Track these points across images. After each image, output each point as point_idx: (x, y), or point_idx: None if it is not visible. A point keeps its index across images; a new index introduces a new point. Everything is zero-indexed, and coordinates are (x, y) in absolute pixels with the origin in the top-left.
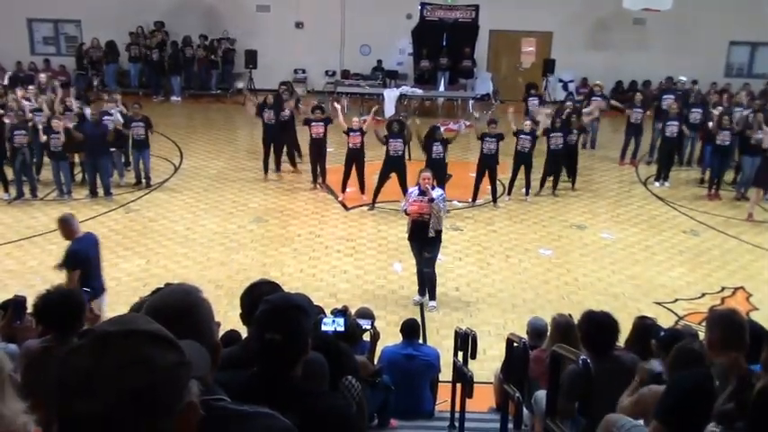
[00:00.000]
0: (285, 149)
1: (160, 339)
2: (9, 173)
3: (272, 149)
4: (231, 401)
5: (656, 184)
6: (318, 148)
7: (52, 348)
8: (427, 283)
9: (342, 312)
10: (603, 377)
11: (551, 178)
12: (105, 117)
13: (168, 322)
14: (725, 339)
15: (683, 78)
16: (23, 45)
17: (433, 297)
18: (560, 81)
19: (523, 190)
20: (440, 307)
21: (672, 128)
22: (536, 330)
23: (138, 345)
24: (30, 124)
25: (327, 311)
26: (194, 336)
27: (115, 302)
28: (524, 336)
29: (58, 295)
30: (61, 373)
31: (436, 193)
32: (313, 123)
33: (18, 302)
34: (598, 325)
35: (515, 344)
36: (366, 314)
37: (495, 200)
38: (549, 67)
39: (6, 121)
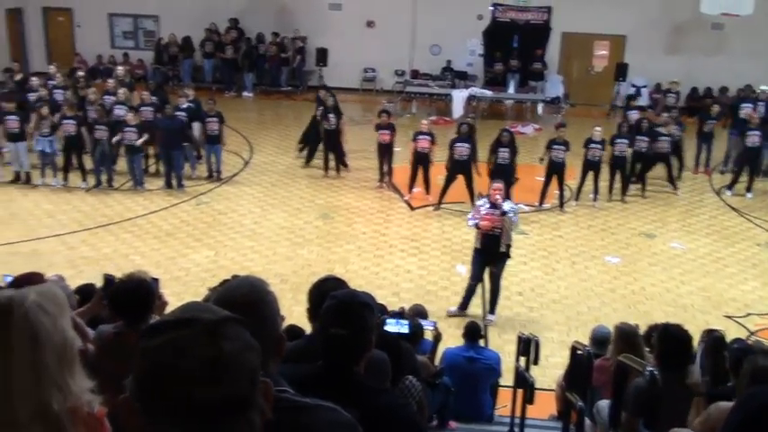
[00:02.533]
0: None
1: (244, 323)
2: (88, 162)
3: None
4: (294, 393)
5: (728, 192)
6: (385, 151)
7: (124, 335)
8: (490, 295)
9: (399, 314)
10: (673, 392)
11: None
12: (177, 112)
13: (234, 314)
14: None
15: (765, 88)
16: (104, 39)
17: (492, 311)
18: (633, 86)
19: (591, 195)
20: (502, 311)
21: (753, 137)
22: (600, 339)
23: (240, 330)
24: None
25: (389, 309)
26: (259, 328)
27: (184, 292)
28: (588, 344)
29: (131, 283)
30: (175, 366)
31: (507, 205)
32: (381, 131)
33: (110, 280)
34: (674, 339)
35: (579, 351)
36: (420, 311)
37: (561, 205)
38: (621, 71)
39: (91, 114)
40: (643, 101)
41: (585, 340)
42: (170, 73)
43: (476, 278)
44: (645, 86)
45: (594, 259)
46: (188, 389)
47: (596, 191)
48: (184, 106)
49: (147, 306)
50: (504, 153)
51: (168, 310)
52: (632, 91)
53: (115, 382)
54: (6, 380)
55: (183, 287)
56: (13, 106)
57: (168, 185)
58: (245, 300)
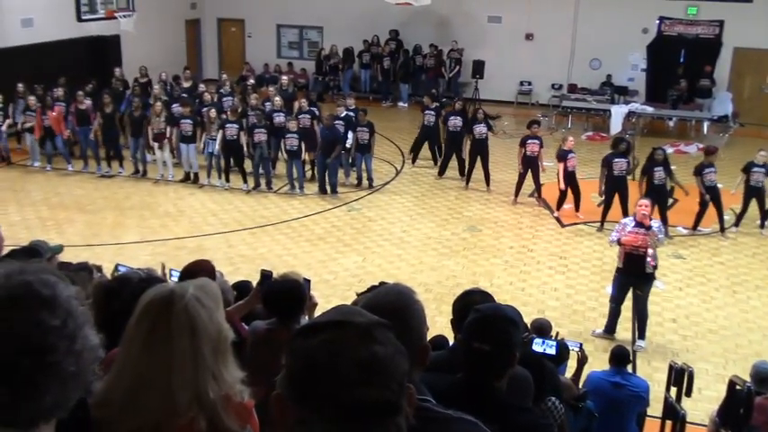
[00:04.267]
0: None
1: (392, 329)
2: (248, 166)
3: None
4: (435, 404)
5: None
6: (531, 164)
7: (276, 332)
8: (637, 321)
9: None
10: None
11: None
12: (336, 122)
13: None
14: None
15: None
16: (271, 48)
17: (642, 336)
18: None
19: (758, 222)
20: (653, 337)
21: None
22: (761, 375)
23: (390, 334)
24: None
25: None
26: (404, 335)
27: (332, 295)
28: (747, 379)
29: (286, 283)
30: (331, 367)
31: (655, 223)
32: (529, 141)
33: (267, 275)
34: None
35: (738, 387)
36: (544, 325)
37: (722, 229)
38: None
39: (252, 120)
40: None
41: (744, 375)
42: (330, 83)
43: (615, 300)
44: None
45: (759, 290)
46: (341, 389)
47: (764, 217)
48: (342, 115)
49: (300, 306)
50: (659, 172)
51: (318, 311)
52: None
53: (265, 376)
54: (168, 367)
55: (331, 290)
56: (188, 110)
57: (322, 191)
58: (392, 307)
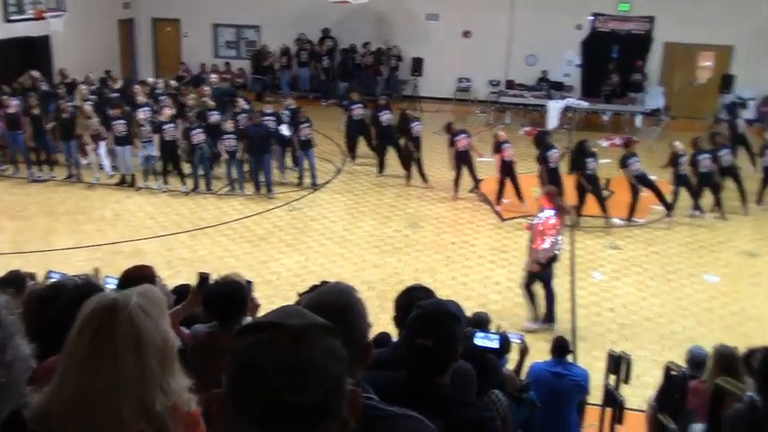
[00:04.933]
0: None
1: (333, 330)
2: (186, 167)
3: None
4: (379, 401)
5: None
6: (464, 159)
7: (217, 335)
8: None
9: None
10: None
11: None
12: (265, 118)
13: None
14: None
15: None
16: (208, 48)
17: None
18: (739, 98)
19: (689, 212)
20: (593, 327)
21: None
22: (696, 360)
23: (326, 338)
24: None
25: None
26: (346, 334)
27: (274, 296)
28: (683, 364)
29: (226, 285)
30: (257, 369)
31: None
32: (456, 138)
33: (204, 278)
34: None
35: (674, 372)
36: (482, 319)
37: (668, 208)
38: (726, 83)
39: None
40: (750, 114)
41: (679, 360)
42: (269, 82)
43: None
44: (752, 99)
45: (692, 277)
46: (265, 391)
47: (697, 206)
48: (269, 111)
49: (241, 308)
50: (591, 164)
51: (261, 312)
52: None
53: (209, 381)
54: (113, 379)
55: (273, 291)
56: (119, 111)
57: (257, 189)
58: (333, 305)
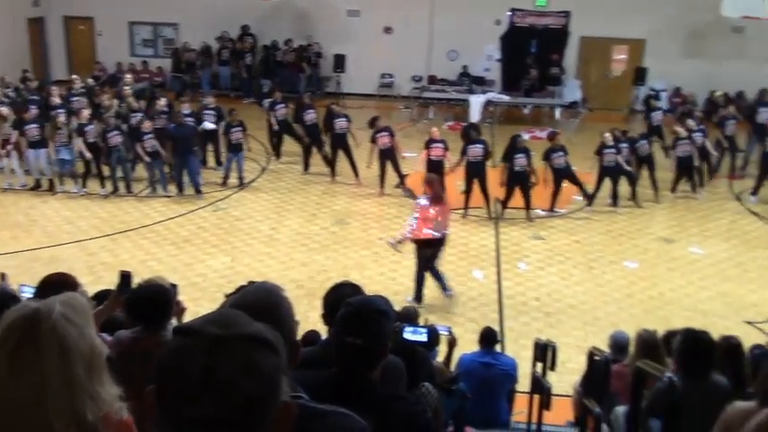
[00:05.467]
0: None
1: (264, 342)
2: (105, 169)
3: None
4: (309, 399)
5: (753, 198)
6: (387, 156)
7: (142, 340)
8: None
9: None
10: (695, 400)
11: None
12: (188, 120)
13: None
14: None
15: None
16: (124, 47)
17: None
18: (652, 90)
19: (608, 201)
20: (519, 316)
21: None
22: (618, 344)
23: (247, 351)
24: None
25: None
26: None
27: (201, 298)
28: (606, 349)
29: (149, 289)
30: (170, 377)
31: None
32: (378, 135)
33: (126, 276)
34: (696, 345)
35: (597, 357)
36: (411, 313)
37: (589, 201)
38: (640, 75)
39: (108, 122)
40: (662, 105)
41: (603, 346)
42: (189, 81)
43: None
44: (664, 90)
45: (612, 264)
46: (176, 399)
47: (615, 196)
48: (187, 111)
49: (165, 311)
50: (520, 159)
51: (188, 316)
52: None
53: (136, 388)
54: (40, 391)
55: (199, 293)
56: (33, 115)
57: (180, 190)
58: (259, 305)
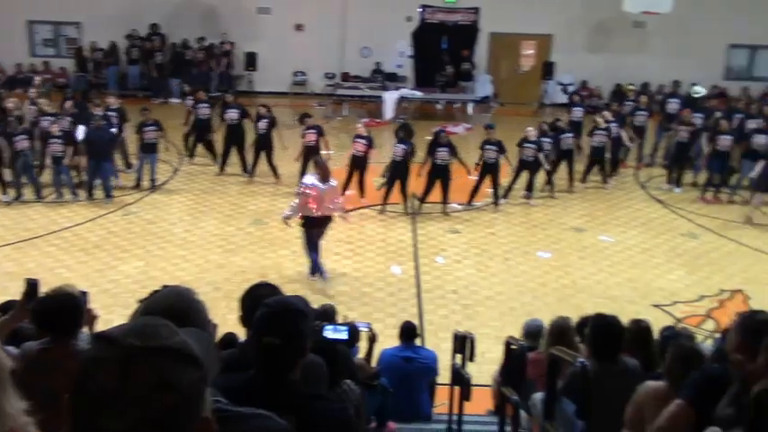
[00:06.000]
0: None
1: (184, 356)
2: (8, 174)
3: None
4: (227, 403)
5: (666, 187)
6: (311, 154)
7: (50, 351)
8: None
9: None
10: (607, 382)
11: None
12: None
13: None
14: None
15: (699, 89)
16: (23, 47)
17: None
18: (560, 84)
19: (523, 192)
20: (438, 310)
21: (683, 133)
22: (531, 332)
23: (164, 365)
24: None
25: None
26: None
27: (113, 305)
28: (521, 338)
29: (56, 298)
30: (84, 387)
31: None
32: (306, 131)
33: (33, 284)
34: (606, 329)
35: (513, 346)
36: (328, 311)
37: (496, 202)
38: (548, 70)
39: (12, 126)
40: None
41: (519, 335)
42: (95, 81)
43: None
44: (572, 84)
45: (526, 255)
46: (92, 410)
47: (530, 188)
48: (114, 107)
49: (75, 320)
50: (442, 153)
51: (102, 325)
52: (560, 89)
53: (45, 401)
54: None
55: (112, 299)
56: None
57: (90, 196)
58: (171, 309)
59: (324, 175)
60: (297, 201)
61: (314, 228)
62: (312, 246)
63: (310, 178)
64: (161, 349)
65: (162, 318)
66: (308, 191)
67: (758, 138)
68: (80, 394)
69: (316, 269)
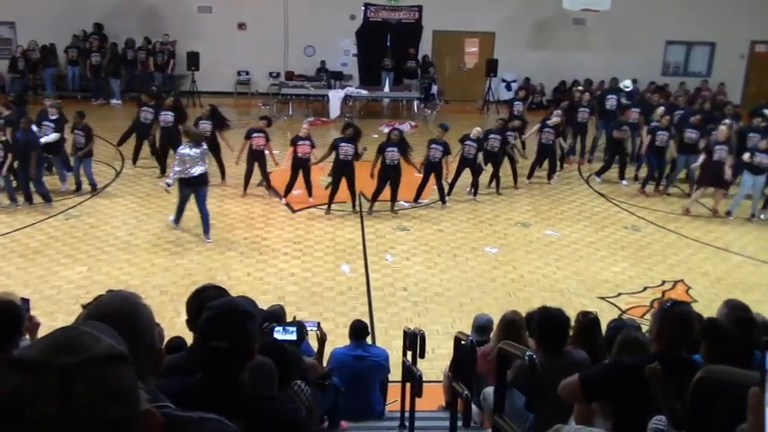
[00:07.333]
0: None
1: (116, 359)
2: None
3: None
4: (176, 408)
5: (597, 178)
6: (257, 157)
7: None
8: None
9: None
10: (554, 373)
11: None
12: (42, 137)
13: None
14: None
15: (628, 83)
16: None
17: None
18: (503, 81)
19: (468, 189)
20: (388, 307)
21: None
22: (481, 326)
23: (104, 373)
24: None
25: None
26: (134, 343)
27: (56, 311)
28: (471, 333)
29: None
30: (20, 419)
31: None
32: (254, 134)
33: None
34: (551, 321)
35: (463, 342)
36: (276, 312)
37: (443, 200)
38: (491, 67)
39: None
40: (513, 95)
41: (469, 330)
42: (30, 82)
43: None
44: (515, 81)
45: (474, 251)
46: None
47: (475, 185)
48: (53, 118)
49: (14, 328)
50: (392, 153)
51: (43, 330)
52: (503, 85)
53: None
54: None
55: (55, 306)
56: None
57: (29, 200)
58: (116, 314)
59: (195, 141)
60: (176, 167)
61: (186, 187)
62: (182, 202)
63: (184, 147)
64: (94, 359)
65: (103, 324)
66: (185, 158)
67: (689, 133)
68: (17, 425)
69: (178, 218)
